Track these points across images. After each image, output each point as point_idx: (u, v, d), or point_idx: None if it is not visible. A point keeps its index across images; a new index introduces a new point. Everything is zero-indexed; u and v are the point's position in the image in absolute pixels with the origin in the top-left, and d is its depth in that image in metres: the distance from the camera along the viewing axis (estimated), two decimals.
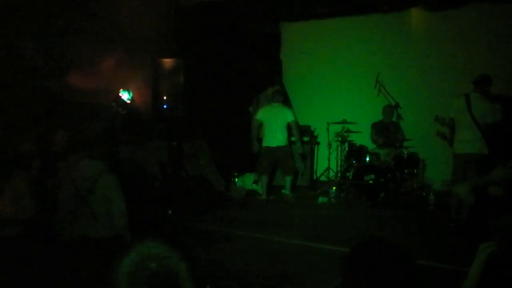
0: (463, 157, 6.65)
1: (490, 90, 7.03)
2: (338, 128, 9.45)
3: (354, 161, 8.80)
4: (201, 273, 1.47)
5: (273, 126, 8.61)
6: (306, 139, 9.85)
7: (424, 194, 8.47)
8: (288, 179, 8.76)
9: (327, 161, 9.86)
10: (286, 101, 10.75)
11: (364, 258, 1.85)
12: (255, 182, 9.37)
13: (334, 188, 8.67)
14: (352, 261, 1.86)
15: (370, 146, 9.21)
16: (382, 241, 1.91)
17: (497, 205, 2.64)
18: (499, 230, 2.56)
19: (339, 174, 9.42)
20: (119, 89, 8.34)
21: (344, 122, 9.25)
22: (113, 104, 8.26)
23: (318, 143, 10.37)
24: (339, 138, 9.34)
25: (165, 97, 8.29)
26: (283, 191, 8.85)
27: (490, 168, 6.32)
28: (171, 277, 1.32)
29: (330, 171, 9.88)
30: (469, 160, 6.57)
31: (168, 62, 8.42)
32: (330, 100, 10.43)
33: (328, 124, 9.69)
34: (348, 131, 9.25)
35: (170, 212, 7.27)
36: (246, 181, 9.54)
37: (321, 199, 8.54)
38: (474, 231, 5.94)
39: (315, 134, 10.26)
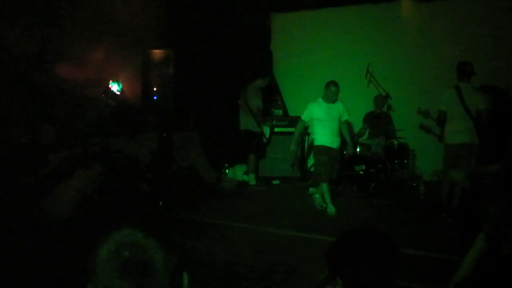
0: (455, 147, 6.67)
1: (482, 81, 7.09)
2: None
3: (344, 152, 8.80)
4: (188, 263, 1.47)
5: None
6: None
7: (414, 184, 8.52)
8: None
9: None
10: (275, 92, 10.79)
11: (349, 246, 1.86)
12: (246, 173, 9.37)
13: None
14: (338, 249, 1.87)
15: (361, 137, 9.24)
16: (368, 230, 1.93)
17: (488, 193, 2.66)
18: (489, 217, 2.57)
19: None
20: (109, 81, 8.28)
21: None
22: (103, 95, 8.20)
23: (308, 134, 10.35)
24: None
25: (155, 89, 8.25)
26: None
27: (490, 160, 6.40)
28: (144, 266, 1.32)
29: None
30: (460, 149, 6.60)
31: (157, 53, 8.37)
32: (321, 91, 10.38)
33: None
34: None
35: (160, 203, 7.25)
36: (237, 173, 9.53)
37: (312, 190, 8.54)
38: (464, 220, 6.00)
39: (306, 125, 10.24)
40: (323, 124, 7.27)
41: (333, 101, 7.33)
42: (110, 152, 7.39)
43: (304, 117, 7.44)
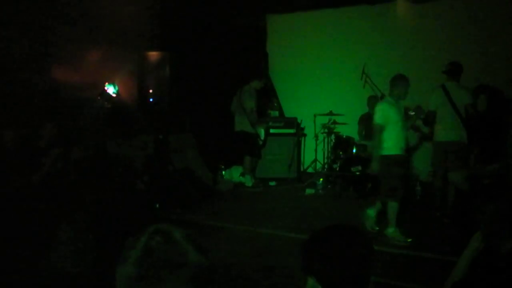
0: (443, 144, 6.69)
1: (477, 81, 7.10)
2: (324, 119, 9.47)
3: (341, 153, 8.81)
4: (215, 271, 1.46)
5: None
6: (293, 131, 9.84)
7: (410, 184, 8.52)
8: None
9: (314, 152, 9.87)
10: (272, 94, 10.79)
11: (321, 243, 1.86)
12: (242, 174, 9.36)
13: (321, 179, 8.69)
14: (311, 246, 1.87)
15: (357, 137, 9.23)
16: (341, 226, 1.92)
17: (485, 192, 2.67)
18: (485, 216, 2.58)
19: (326, 166, 9.44)
20: (105, 83, 8.26)
21: (330, 113, 9.28)
22: (99, 98, 8.18)
23: (305, 135, 10.37)
24: (326, 130, 9.36)
25: (151, 91, 8.23)
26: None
27: (488, 161, 6.41)
28: (174, 248, 1.32)
29: (317, 163, 9.91)
30: (448, 147, 6.62)
31: (153, 55, 8.36)
32: (317, 92, 10.43)
33: (314, 116, 9.71)
34: (335, 122, 9.26)
35: (157, 205, 7.24)
36: (234, 174, 9.53)
37: (308, 191, 8.56)
38: (460, 220, 6.00)
39: (302, 126, 10.25)
40: (397, 127, 5.92)
41: (401, 99, 6.12)
42: (106, 154, 7.37)
43: (381, 121, 5.93)
